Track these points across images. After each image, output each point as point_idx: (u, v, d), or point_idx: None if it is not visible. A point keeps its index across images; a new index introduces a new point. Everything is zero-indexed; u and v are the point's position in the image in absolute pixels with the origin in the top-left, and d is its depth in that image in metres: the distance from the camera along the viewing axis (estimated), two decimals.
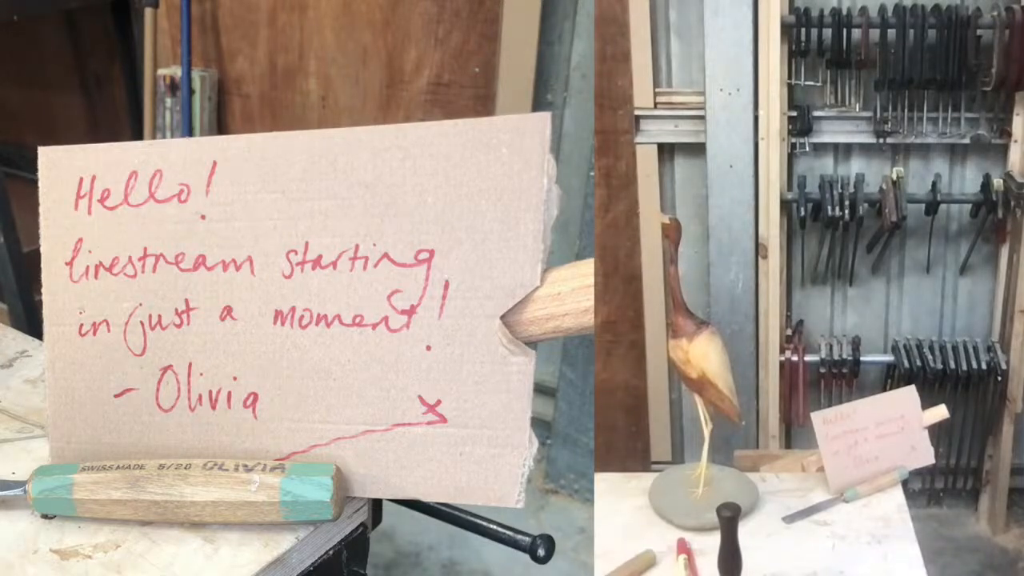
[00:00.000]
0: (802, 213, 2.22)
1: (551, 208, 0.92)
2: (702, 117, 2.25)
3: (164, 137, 3.03)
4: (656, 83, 2.31)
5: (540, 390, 2.16)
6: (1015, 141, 2.21)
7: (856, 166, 2.31)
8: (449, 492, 0.97)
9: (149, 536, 0.97)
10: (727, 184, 2.26)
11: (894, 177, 2.20)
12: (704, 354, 1.42)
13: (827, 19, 2.16)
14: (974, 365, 2.33)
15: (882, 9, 2.15)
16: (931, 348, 2.35)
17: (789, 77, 2.23)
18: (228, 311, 1.00)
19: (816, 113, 2.23)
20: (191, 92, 2.95)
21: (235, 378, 1.00)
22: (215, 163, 1.00)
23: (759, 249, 2.28)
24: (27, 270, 2.31)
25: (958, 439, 2.44)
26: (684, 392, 2.46)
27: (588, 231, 2.46)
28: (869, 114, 2.23)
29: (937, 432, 1.64)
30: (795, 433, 2.46)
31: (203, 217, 1.00)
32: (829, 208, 2.21)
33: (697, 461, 1.51)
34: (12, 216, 2.32)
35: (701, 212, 2.34)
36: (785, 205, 2.26)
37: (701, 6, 2.20)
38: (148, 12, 2.97)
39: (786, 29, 2.18)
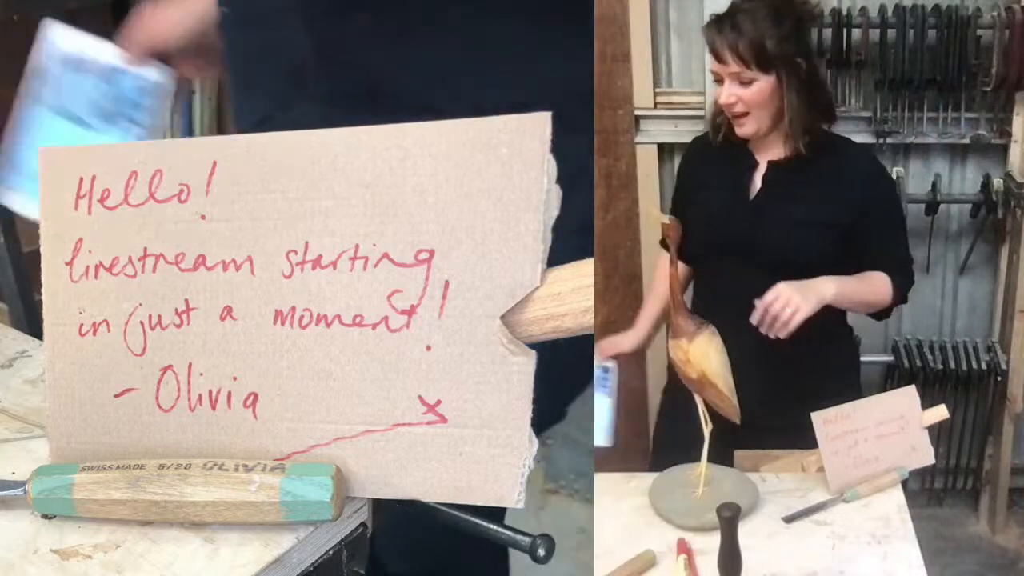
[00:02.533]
0: None
1: (551, 208, 0.92)
2: (702, 117, 2.25)
3: (164, 137, 3.02)
4: (656, 83, 2.31)
5: None
6: (1015, 141, 2.21)
7: None
8: (449, 492, 0.96)
9: (149, 536, 0.97)
10: None
11: (894, 177, 2.20)
12: (704, 354, 1.42)
13: (827, 19, 2.15)
14: (974, 365, 2.33)
15: (882, 9, 2.15)
16: (931, 348, 2.35)
17: None
18: (228, 311, 1.00)
19: None
20: (191, 92, 2.94)
21: (235, 378, 1.00)
22: (215, 163, 1.00)
23: None
24: (27, 270, 2.30)
25: (958, 439, 2.44)
26: None
27: None
28: (869, 114, 2.23)
29: (937, 432, 1.64)
30: None
31: (203, 217, 1.00)
32: None
33: (697, 461, 1.51)
34: (12, 216, 2.31)
35: None
36: None
37: (701, 6, 2.20)
38: None
39: None
